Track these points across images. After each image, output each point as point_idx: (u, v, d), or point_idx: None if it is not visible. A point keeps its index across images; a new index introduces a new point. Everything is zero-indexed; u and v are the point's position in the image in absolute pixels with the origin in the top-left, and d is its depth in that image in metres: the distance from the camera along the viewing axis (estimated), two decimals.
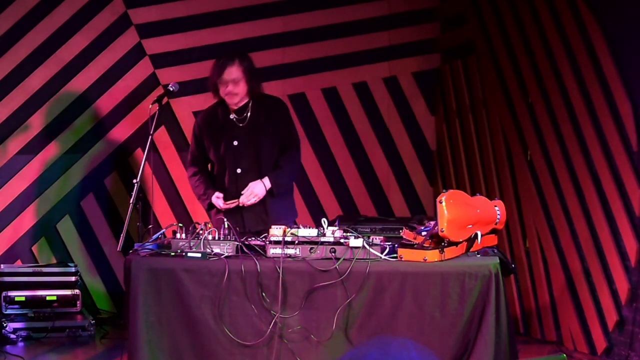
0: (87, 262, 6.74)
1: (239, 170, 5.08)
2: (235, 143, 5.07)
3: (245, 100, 5.08)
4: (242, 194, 4.99)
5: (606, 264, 5.39)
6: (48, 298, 6.09)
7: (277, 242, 4.25)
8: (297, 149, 5.21)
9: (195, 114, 6.95)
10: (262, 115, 5.09)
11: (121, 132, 6.83)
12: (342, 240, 4.26)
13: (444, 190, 4.26)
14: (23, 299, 6.04)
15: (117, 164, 6.83)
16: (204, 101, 6.93)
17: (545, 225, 5.95)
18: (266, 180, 5.02)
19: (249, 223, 4.99)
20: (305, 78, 7.14)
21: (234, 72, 4.98)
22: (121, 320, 6.45)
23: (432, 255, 4.22)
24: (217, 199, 5.03)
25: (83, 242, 6.77)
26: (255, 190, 5.00)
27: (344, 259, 4.20)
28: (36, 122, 6.68)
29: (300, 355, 4.19)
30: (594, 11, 5.45)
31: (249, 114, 5.08)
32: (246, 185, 5.02)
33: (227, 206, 4.97)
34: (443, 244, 4.26)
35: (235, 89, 5.00)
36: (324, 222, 4.33)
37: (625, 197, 5.24)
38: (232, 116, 5.09)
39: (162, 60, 6.89)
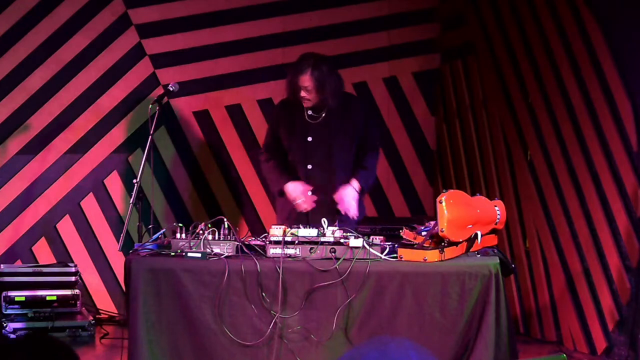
0: (87, 262, 6.74)
1: (309, 166, 5.13)
2: (310, 139, 5.12)
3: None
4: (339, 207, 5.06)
5: (606, 264, 5.39)
6: (48, 298, 6.09)
7: (277, 242, 4.25)
8: (377, 150, 5.28)
9: (195, 114, 6.96)
10: (339, 114, 5.11)
11: (121, 132, 6.83)
12: (342, 240, 4.26)
13: (444, 190, 4.26)
14: (23, 299, 6.04)
15: (117, 164, 6.83)
16: (204, 101, 6.97)
17: (545, 225, 5.95)
18: (355, 182, 5.09)
19: (314, 219, 4.96)
20: None
21: (306, 80, 4.99)
22: (121, 320, 6.45)
23: (432, 255, 4.23)
24: (295, 188, 5.07)
25: (83, 242, 6.77)
26: (349, 199, 5.05)
27: (344, 259, 4.20)
28: (36, 122, 6.68)
29: (300, 355, 4.19)
30: (594, 11, 5.45)
31: (324, 113, 5.11)
32: (316, 180, 5.09)
33: (305, 208, 5.03)
34: (443, 244, 4.26)
35: (307, 95, 5.03)
36: (324, 222, 4.34)
37: (625, 197, 5.24)
38: (308, 112, 5.12)
39: (162, 60, 6.89)
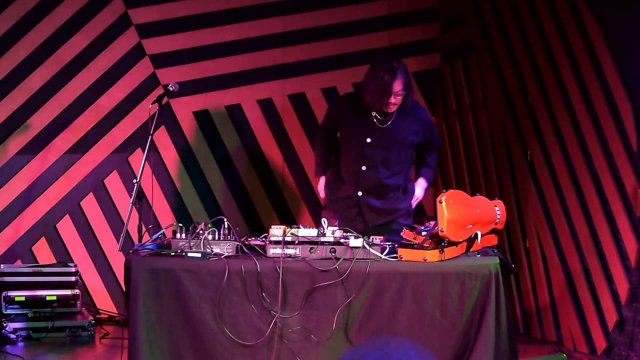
0: (87, 262, 6.74)
1: (364, 167, 5.09)
2: (369, 140, 5.06)
3: None
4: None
5: (606, 264, 5.39)
6: (48, 298, 6.09)
7: (277, 242, 4.25)
8: (437, 149, 5.39)
9: (195, 114, 6.96)
10: (405, 121, 5.08)
11: (121, 132, 6.83)
12: (342, 240, 4.26)
13: (444, 190, 4.26)
14: (23, 299, 6.04)
15: (117, 164, 6.83)
16: (204, 101, 6.97)
17: (545, 225, 5.95)
18: (422, 181, 5.27)
19: (370, 218, 5.08)
20: (305, 78, 7.14)
21: (398, 85, 4.92)
22: (121, 320, 6.46)
23: (432, 255, 4.23)
24: (322, 186, 5.30)
25: (83, 242, 6.77)
26: (419, 196, 5.28)
27: (344, 259, 4.20)
28: (36, 122, 6.68)
29: (300, 355, 4.19)
30: (594, 11, 5.46)
31: (392, 119, 5.06)
32: (368, 181, 5.07)
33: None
34: (443, 244, 4.26)
35: (395, 100, 4.96)
36: (324, 222, 4.34)
37: (625, 197, 5.24)
38: (374, 114, 5.06)
39: (162, 60, 6.89)
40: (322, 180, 5.31)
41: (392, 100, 4.93)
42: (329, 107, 5.43)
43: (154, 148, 6.78)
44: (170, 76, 6.75)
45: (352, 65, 7.15)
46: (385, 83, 4.88)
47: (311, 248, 4.24)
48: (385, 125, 5.05)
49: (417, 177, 5.33)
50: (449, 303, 4.21)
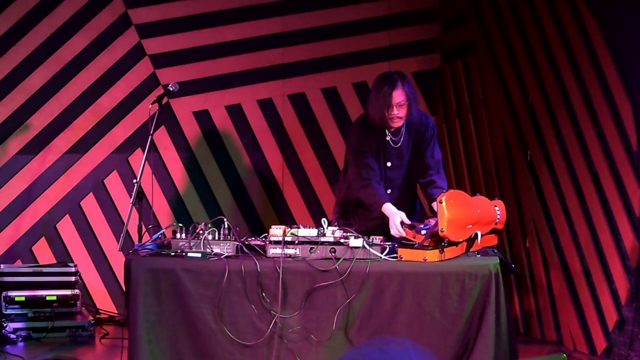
0: (87, 262, 6.74)
1: (389, 191, 5.00)
2: (389, 164, 4.99)
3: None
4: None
5: (606, 264, 5.39)
6: (48, 298, 6.09)
7: (277, 242, 4.26)
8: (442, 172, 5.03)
9: (195, 114, 6.96)
10: (413, 136, 4.98)
11: (121, 132, 6.83)
12: (342, 240, 4.26)
13: (444, 190, 4.26)
14: (23, 299, 6.04)
15: (117, 164, 6.83)
16: (204, 101, 6.97)
17: (545, 225, 5.95)
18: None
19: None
20: (305, 78, 7.14)
21: (399, 95, 4.77)
22: (121, 320, 6.46)
23: (432, 255, 4.23)
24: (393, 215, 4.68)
25: (83, 242, 6.77)
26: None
27: (344, 259, 4.20)
28: (36, 122, 6.68)
29: (300, 355, 4.19)
30: (594, 11, 5.46)
31: (403, 136, 4.96)
32: (394, 204, 4.82)
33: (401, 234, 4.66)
34: (443, 244, 4.26)
35: (400, 112, 4.81)
36: (324, 222, 4.34)
37: (625, 197, 5.24)
38: (388, 137, 4.95)
39: (162, 60, 6.89)
40: (390, 207, 4.75)
41: (395, 111, 4.79)
42: (352, 140, 5.06)
43: (154, 148, 6.78)
44: (170, 76, 6.75)
45: (352, 65, 7.16)
46: (385, 94, 4.76)
47: (311, 248, 4.24)
48: (397, 146, 4.98)
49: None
50: (449, 303, 4.21)
